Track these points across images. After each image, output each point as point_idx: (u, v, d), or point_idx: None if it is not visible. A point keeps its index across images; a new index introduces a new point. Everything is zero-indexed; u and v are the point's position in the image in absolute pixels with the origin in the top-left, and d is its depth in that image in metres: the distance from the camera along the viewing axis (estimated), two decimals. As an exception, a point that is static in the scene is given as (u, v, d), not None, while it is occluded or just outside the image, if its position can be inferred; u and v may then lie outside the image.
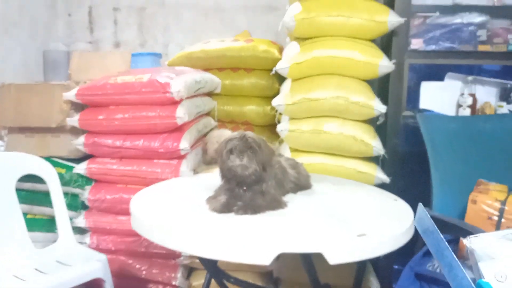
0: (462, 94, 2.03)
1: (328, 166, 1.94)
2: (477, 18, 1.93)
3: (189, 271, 2.16)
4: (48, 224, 2.12)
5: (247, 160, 1.28)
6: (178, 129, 2.01)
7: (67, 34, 3.60)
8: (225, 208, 1.30)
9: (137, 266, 2.07)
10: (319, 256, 1.34)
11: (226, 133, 2.12)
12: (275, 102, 1.98)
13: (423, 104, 2.13)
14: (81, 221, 2.07)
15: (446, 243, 0.57)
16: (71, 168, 2.09)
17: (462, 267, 0.54)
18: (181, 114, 1.94)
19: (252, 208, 1.29)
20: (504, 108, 2.03)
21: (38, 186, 2.08)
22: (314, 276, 1.38)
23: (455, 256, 0.55)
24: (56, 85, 2.10)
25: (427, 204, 1.73)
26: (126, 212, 2.01)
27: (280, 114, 2.13)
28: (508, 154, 1.81)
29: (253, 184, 1.32)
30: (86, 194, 2.06)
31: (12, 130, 2.19)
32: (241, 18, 3.40)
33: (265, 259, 1.05)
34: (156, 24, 3.53)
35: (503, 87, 2.09)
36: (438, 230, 0.62)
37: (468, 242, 0.64)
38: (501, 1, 1.97)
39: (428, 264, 1.59)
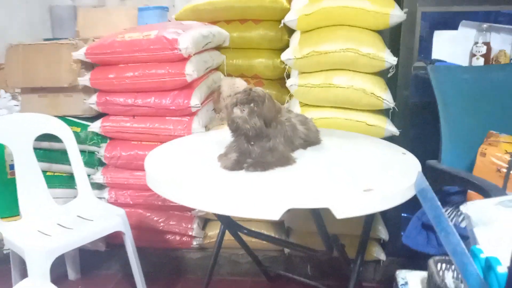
0: (476, 43, 1.97)
1: (338, 120, 1.95)
2: (494, -38, 1.83)
3: (204, 222, 2.25)
4: (67, 181, 2.21)
5: (248, 112, 1.31)
6: (188, 86, 2.02)
7: (71, -12, 3.52)
8: (236, 166, 1.34)
9: (155, 218, 2.16)
10: (327, 209, 1.39)
11: (237, 81, 2.13)
12: (284, 56, 1.96)
13: (436, 54, 2.08)
14: (99, 177, 2.14)
15: (443, 209, 0.60)
16: (86, 126, 2.13)
17: (457, 233, 0.56)
18: (190, 71, 1.94)
19: (262, 165, 1.33)
20: (520, 57, 1.98)
21: (55, 145, 2.15)
22: (323, 229, 1.44)
23: (450, 223, 0.57)
24: (64, 45, 2.10)
25: (437, 157, 1.74)
26: (142, 168, 2.04)
27: (290, 68, 2.11)
28: (520, 104, 1.79)
29: (259, 138, 1.35)
30: (102, 151, 2.12)
31: (25, 91, 2.22)
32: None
33: (275, 214, 1.10)
34: (161, -24, 3.43)
35: (519, 34, 2.02)
36: (435, 196, 0.64)
37: (464, 208, 0.66)
38: None
39: (435, 214, 1.62)
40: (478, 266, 0.55)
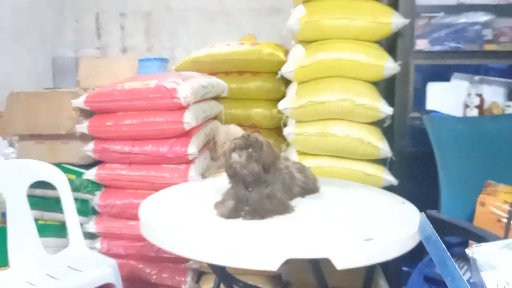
0: (469, 94, 2.02)
1: (335, 169, 1.94)
2: (483, 17, 1.92)
3: (199, 275, 2.18)
4: (59, 230, 2.15)
5: (246, 157, 1.30)
6: (186, 134, 2.02)
7: (75, 40, 3.63)
8: (233, 214, 1.31)
9: (147, 270, 2.09)
10: (327, 260, 1.35)
11: (233, 128, 2.15)
12: (281, 105, 1.99)
13: (430, 105, 2.12)
14: (92, 226, 2.10)
15: (448, 253, 0.58)
16: (81, 174, 2.12)
17: (464, 278, 0.54)
18: (189, 119, 1.95)
19: (259, 213, 1.30)
20: (512, 108, 2.02)
21: (49, 192, 2.11)
22: (323, 280, 1.39)
23: (457, 267, 0.55)
24: (65, 92, 2.13)
25: (436, 206, 1.73)
26: (136, 217, 2.01)
27: (287, 117, 2.13)
28: (516, 154, 1.80)
29: (256, 185, 1.33)
30: (96, 199, 2.08)
31: (22, 137, 2.22)
32: (246, 21, 3.42)
33: (273, 265, 1.06)
34: (162, 29, 3.56)
35: (510, 87, 2.07)
36: (440, 239, 0.62)
37: (470, 251, 0.64)
38: (507, -1, 1.96)
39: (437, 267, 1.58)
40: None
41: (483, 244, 0.64)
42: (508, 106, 2.02)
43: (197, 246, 1.14)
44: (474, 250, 0.64)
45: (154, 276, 2.08)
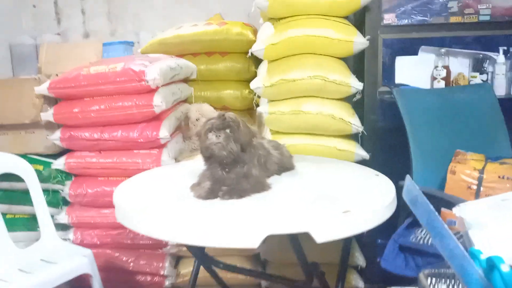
0: (436, 67, 2.05)
1: (308, 146, 1.95)
2: (448, -11, 1.94)
3: (177, 259, 2.16)
4: (29, 223, 2.09)
5: (224, 138, 1.27)
6: (156, 118, 1.98)
7: (33, 26, 3.46)
8: (210, 194, 1.29)
9: (124, 258, 2.06)
10: (306, 236, 1.35)
11: (205, 107, 2.12)
12: (253, 85, 1.97)
13: (399, 79, 2.15)
14: (63, 217, 2.04)
15: (436, 213, 0.58)
16: (49, 164, 2.05)
17: (453, 236, 0.55)
18: (158, 102, 1.91)
19: (237, 192, 1.29)
20: (478, 79, 2.06)
21: (16, 185, 2.04)
22: (302, 256, 1.40)
23: (446, 226, 0.56)
24: (26, 80, 2.04)
25: (408, 177, 1.76)
26: (109, 205, 1.98)
27: (258, 97, 2.12)
28: (483, 123, 1.86)
29: (233, 165, 1.32)
30: (66, 189, 2.02)
31: (-17, 129, 2.12)
32: (212, 1, 3.34)
33: (253, 242, 1.06)
34: (125, 12, 3.42)
35: (475, 58, 2.12)
36: (427, 200, 0.63)
37: (457, 210, 0.65)
38: (470, -29, 1.99)
39: (411, 236, 1.62)
40: (479, 268, 0.53)
41: (469, 202, 0.65)
42: (474, 77, 2.07)
43: (177, 228, 1.12)
44: (461, 209, 0.65)
45: (131, 264, 2.05)
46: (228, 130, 1.28)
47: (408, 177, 0.72)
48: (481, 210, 0.65)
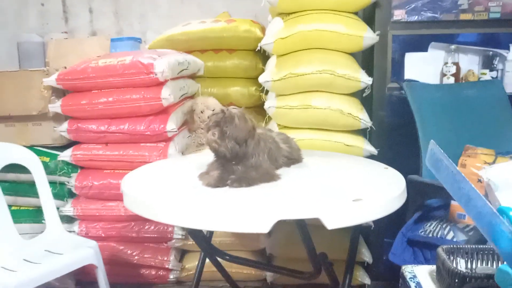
0: (446, 63, 2.05)
1: (316, 141, 1.94)
2: (458, -14, 1.94)
3: (182, 253, 2.15)
4: (34, 215, 2.08)
5: (218, 135, 1.27)
6: (164, 111, 1.98)
7: (40, 25, 3.48)
8: (219, 182, 1.28)
9: (129, 251, 2.05)
10: (313, 231, 1.34)
11: (210, 100, 2.11)
12: (261, 78, 1.96)
13: (408, 75, 2.14)
14: (69, 209, 2.03)
15: (462, 174, 0.57)
16: (55, 156, 2.04)
17: (481, 196, 0.54)
18: (167, 95, 1.91)
19: (246, 180, 1.28)
20: (487, 76, 2.06)
21: (22, 176, 2.03)
22: (311, 245, 1.39)
23: (473, 186, 0.55)
24: (34, 71, 2.05)
25: (416, 172, 1.75)
26: (115, 198, 1.99)
27: (266, 94, 2.11)
28: (492, 119, 1.85)
29: (239, 158, 1.31)
30: (72, 181, 2.02)
31: (-9, 120, 2.12)
32: (218, 1, 3.35)
33: (264, 227, 1.05)
34: (132, 11, 3.44)
35: (485, 55, 2.11)
36: (452, 162, 0.61)
37: (483, 172, 0.64)
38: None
39: (420, 230, 1.61)
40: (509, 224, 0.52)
41: (495, 165, 0.64)
42: (484, 73, 2.07)
43: (188, 213, 1.11)
44: (487, 171, 0.64)
45: (136, 257, 2.04)
46: (222, 127, 1.28)
47: (432, 141, 0.71)
48: (508, 171, 0.63)
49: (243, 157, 1.32)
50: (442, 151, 0.68)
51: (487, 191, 0.65)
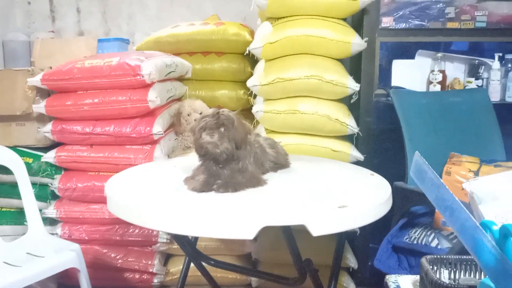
0: (432, 71, 2.07)
1: (303, 146, 1.94)
2: (445, -5, 1.97)
3: (166, 257, 2.13)
4: (16, 216, 2.04)
5: (218, 137, 1.25)
6: (150, 113, 1.96)
7: (26, 24, 3.43)
8: (205, 187, 1.27)
9: (113, 255, 2.02)
10: (298, 236, 1.33)
11: (198, 103, 2.10)
12: (249, 82, 1.96)
13: (395, 81, 2.16)
14: (52, 211, 2.00)
15: (446, 186, 0.57)
16: (39, 157, 2.01)
17: (464, 208, 0.54)
18: (153, 97, 1.89)
19: (233, 185, 1.27)
20: (473, 84, 2.08)
21: (4, 177, 2.00)
22: (296, 251, 1.38)
23: (457, 199, 0.55)
24: (19, 71, 2.01)
25: (402, 178, 1.76)
26: (99, 200, 1.96)
27: (254, 98, 2.11)
28: (478, 127, 1.87)
29: (228, 162, 1.30)
30: (55, 183, 1.99)
31: (-27, 120, 2.08)
32: (207, 4, 3.34)
33: (249, 233, 1.04)
34: (120, 12, 3.41)
35: (471, 64, 2.14)
36: (436, 174, 0.62)
37: (467, 185, 0.64)
38: (469, -22, 2.01)
39: (405, 236, 1.62)
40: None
41: (480, 177, 0.64)
42: (469, 82, 2.09)
43: (172, 219, 1.09)
44: (471, 184, 0.64)
45: (120, 261, 2.01)
46: (222, 129, 1.26)
47: (417, 153, 0.71)
48: (491, 184, 0.64)
49: (232, 160, 1.31)
50: (427, 163, 0.68)
51: (470, 204, 0.65)
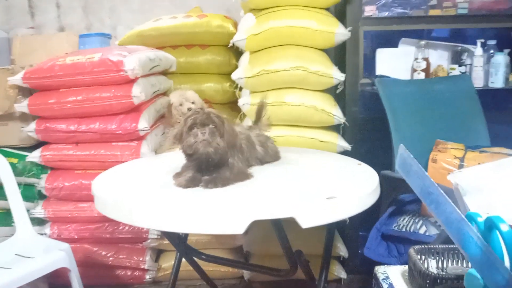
0: (416, 59, 2.08)
1: (290, 138, 1.94)
2: (427, -18, 1.97)
3: (158, 253, 2.13)
4: (3, 218, 2.03)
5: (209, 134, 1.21)
6: (135, 109, 1.94)
7: (5, 20, 3.36)
8: (191, 183, 1.25)
9: (103, 253, 2.02)
10: (289, 226, 1.34)
11: (189, 93, 2.07)
12: (235, 75, 1.95)
13: (380, 70, 2.17)
14: (40, 211, 1.98)
15: (431, 179, 0.58)
16: (24, 157, 1.99)
17: (450, 201, 0.54)
18: (137, 93, 1.87)
19: (221, 180, 1.26)
20: (456, 71, 2.10)
21: (-12, 179, 1.96)
22: (287, 244, 1.39)
23: (442, 191, 0.56)
24: (-1, 70, 1.97)
25: (389, 167, 1.78)
26: (87, 199, 1.95)
27: (240, 90, 2.10)
28: (462, 114, 1.89)
29: (218, 161, 1.28)
30: (42, 183, 1.97)
31: (-46, 122, 2.03)
32: (191, -4, 3.31)
33: (239, 227, 1.04)
34: (101, 6, 3.35)
35: (454, 50, 2.16)
36: (421, 167, 0.62)
37: (452, 177, 0.65)
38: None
39: (393, 224, 1.63)
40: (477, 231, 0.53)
41: (464, 169, 0.65)
42: (453, 69, 2.11)
43: (161, 216, 1.09)
44: (456, 175, 0.65)
45: (111, 258, 2.01)
46: (212, 126, 1.22)
47: (402, 146, 0.72)
48: (476, 175, 0.65)
49: (220, 162, 1.28)
50: (412, 156, 0.69)
51: (455, 195, 0.66)
